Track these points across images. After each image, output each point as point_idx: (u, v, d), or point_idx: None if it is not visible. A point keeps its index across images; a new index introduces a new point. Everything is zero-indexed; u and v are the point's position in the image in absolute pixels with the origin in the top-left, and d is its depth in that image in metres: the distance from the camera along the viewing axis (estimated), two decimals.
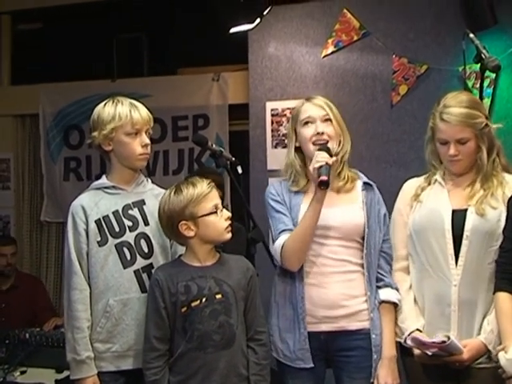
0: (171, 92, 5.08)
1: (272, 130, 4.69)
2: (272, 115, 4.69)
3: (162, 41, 5.21)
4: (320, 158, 2.63)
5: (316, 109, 2.78)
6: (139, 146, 2.72)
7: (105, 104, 2.75)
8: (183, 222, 2.57)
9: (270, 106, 4.70)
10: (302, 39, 4.63)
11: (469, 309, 2.66)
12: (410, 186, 2.90)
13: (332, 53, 4.55)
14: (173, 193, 2.60)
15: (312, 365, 2.70)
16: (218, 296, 2.58)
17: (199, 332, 2.54)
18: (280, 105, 4.68)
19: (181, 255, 2.70)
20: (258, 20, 4.32)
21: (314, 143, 2.74)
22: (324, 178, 2.58)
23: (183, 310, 2.55)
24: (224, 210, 2.64)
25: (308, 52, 4.62)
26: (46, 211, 5.50)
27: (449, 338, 2.56)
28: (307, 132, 2.77)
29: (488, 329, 2.61)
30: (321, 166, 2.61)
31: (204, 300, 2.56)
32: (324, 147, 2.70)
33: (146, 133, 2.75)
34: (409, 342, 2.68)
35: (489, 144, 2.71)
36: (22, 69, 5.57)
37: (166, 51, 5.21)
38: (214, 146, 3.08)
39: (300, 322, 2.70)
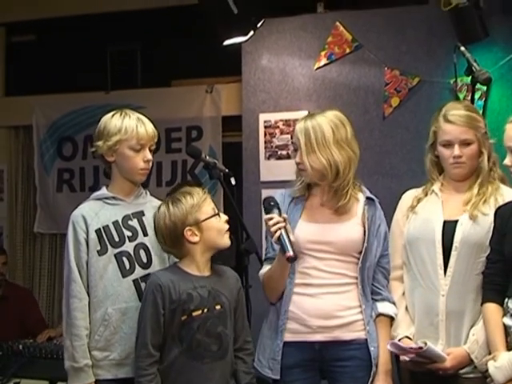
0: (165, 104, 5.09)
1: (265, 142, 4.70)
2: (265, 127, 4.70)
3: (155, 53, 5.23)
4: (273, 228, 2.57)
5: (297, 136, 2.71)
6: (141, 161, 2.74)
7: (112, 115, 2.76)
8: (187, 227, 2.59)
9: (262, 117, 4.71)
10: (295, 51, 4.65)
11: (456, 319, 2.68)
12: (408, 196, 2.93)
13: (325, 65, 4.57)
14: (171, 205, 2.62)
15: (278, 377, 2.70)
16: (218, 307, 2.60)
17: (198, 342, 2.55)
18: (273, 116, 4.69)
19: (176, 262, 2.71)
20: (251, 32, 4.33)
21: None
22: (289, 254, 2.52)
23: (183, 318, 2.56)
24: (221, 213, 2.68)
25: (301, 64, 4.64)
26: (39, 222, 5.49)
27: (426, 344, 2.59)
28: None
29: (472, 339, 2.64)
30: (279, 237, 2.56)
31: (206, 310, 2.57)
32: (269, 206, 2.64)
33: (149, 148, 2.77)
34: (389, 347, 2.69)
35: (488, 152, 2.76)
36: (16, 80, 5.59)
37: (160, 63, 5.22)
38: (207, 157, 3.10)
39: (279, 333, 2.72)
